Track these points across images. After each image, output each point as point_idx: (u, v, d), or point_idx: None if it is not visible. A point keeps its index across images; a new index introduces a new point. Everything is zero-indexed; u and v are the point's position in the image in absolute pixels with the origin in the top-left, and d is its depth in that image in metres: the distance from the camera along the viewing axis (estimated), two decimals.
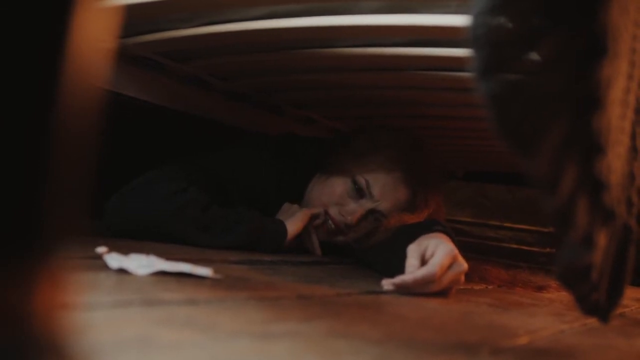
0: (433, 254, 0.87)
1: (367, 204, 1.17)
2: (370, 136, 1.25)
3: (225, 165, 1.19)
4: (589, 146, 0.46)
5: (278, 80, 1.35)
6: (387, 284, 0.86)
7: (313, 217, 1.18)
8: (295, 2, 0.95)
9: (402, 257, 0.89)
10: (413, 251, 0.88)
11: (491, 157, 1.97)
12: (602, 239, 0.52)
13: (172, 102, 1.32)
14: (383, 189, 1.17)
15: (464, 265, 0.89)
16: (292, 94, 1.47)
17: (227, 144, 1.27)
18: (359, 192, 1.17)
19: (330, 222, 1.18)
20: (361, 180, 1.17)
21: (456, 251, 0.89)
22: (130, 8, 0.95)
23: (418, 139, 1.27)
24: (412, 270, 0.85)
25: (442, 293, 0.88)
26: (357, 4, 0.94)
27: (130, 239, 0.96)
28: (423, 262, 0.87)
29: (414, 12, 0.91)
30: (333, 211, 1.18)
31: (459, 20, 0.88)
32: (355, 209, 1.17)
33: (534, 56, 0.42)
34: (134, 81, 1.21)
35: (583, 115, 0.44)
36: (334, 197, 1.18)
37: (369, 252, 1.16)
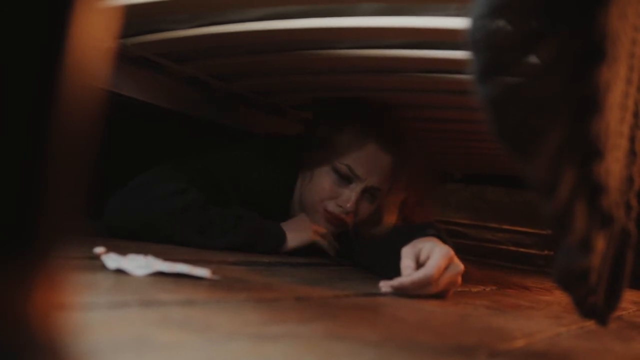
0: (429, 256, 0.87)
1: (358, 186, 1.17)
2: (331, 119, 1.25)
3: (222, 167, 1.19)
4: (587, 150, 0.46)
5: (278, 81, 1.35)
6: (384, 285, 0.86)
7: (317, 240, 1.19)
8: (295, 3, 0.95)
9: (397, 259, 0.89)
10: (407, 252, 0.88)
11: (490, 159, 1.97)
12: (600, 243, 0.52)
13: (172, 102, 1.32)
14: (366, 166, 1.17)
15: (460, 266, 0.89)
16: (292, 95, 1.47)
17: (221, 146, 1.27)
18: (346, 179, 1.18)
19: (330, 218, 1.19)
20: (341, 167, 1.17)
21: (452, 253, 0.89)
22: (130, 8, 0.95)
23: (376, 104, 1.27)
24: (409, 273, 0.85)
25: (440, 295, 0.88)
26: (357, 6, 0.94)
27: (128, 240, 0.96)
28: (417, 264, 0.87)
29: (414, 15, 0.91)
30: (331, 206, 1.18)
31: (458, 23, 0.88)
32: (349, 195, 1.17)
33: (533, 60, 0.42)
34: (133, 82, 1.21)
35: (581, 119, 0.44)
36: (325, 192, 1.19)
37: (364, 255, 1.16)
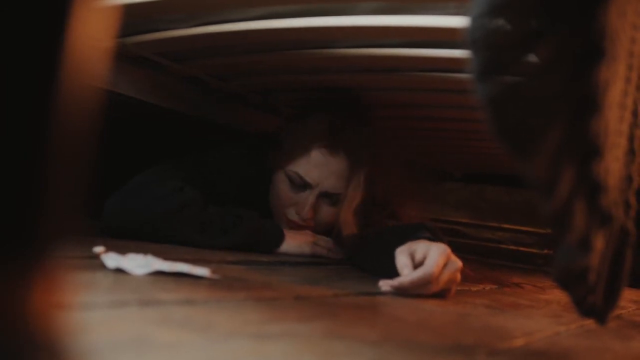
0: (426, 256, 0.86)
1: (312, 192, 1.17)
2: (286, 124, 1.24)
3: (217, 166, 1.19)
4: (586, 149, 0.46)
5: (276, 80, 1.35)
6: (384, 284, 0.86)
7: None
8: (294, 2, 0.95)
9: (391, 260, 0.88)
10: (402, 252, 0.88)
11: (489, 158, 1.97)
12: (599, 242, 0.52)
13: (170, 102, 1.32)
14: (316, 172, 1.16)
15: (458, 263, 0.88)
16: (290, 94, 1.47)
17: (218, 144, 1.26)
18: (300, 185, 1.17)
19: (292, 226, 1.19)
20: (292, 174, 1.17)
21: (449, 250, 0.88)
22: (128, 8, 0.95)
23: (328, 106, 1.23)
24: (407, 272, 0.85)
25: (441, 294, 0.88)
26: (356, 4, 0.94)
27: (128, 239, 0.96)
28: (414, 264, 0.87)
29: (413, 14, 0.91)
30: (290, 214, 1.19)
31: (457, 21, 0.88)
32: (303, 202, 1.17)
33: (532, 59, 0.42)
34: (132, 81, 1.21)
35: (581, 118, 0.44)
36: (282, 200, 1.19)
37: (358, 256, 1.15)
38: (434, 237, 0.96)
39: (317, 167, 1.16)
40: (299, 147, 1.17)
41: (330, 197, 1.18)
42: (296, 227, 1.19)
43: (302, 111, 1.25)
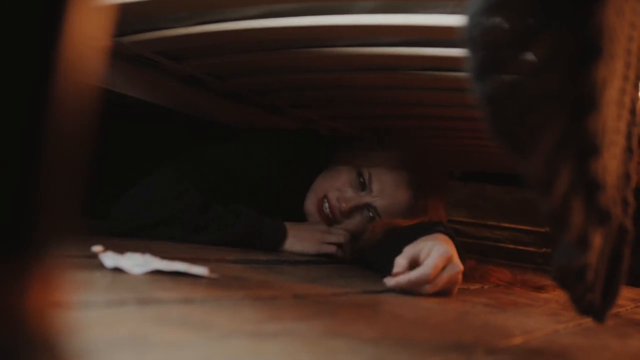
0: (428, 256, 0.86)
1: (365, 197, 1.18)
2: (379, 135, 1.27)
3: (234, 159, 1.20)
4: (584, 147, 0.46)
5: (275, 79, 1.35)
6: (388, 280, 0.86)
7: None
8: (292, 1, 0.95)
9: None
10: (406, 251, 0.88)
11: (488, 157, 1.97)
12: (597, 240, 0.52)
13: (169, 100, 1.32)
14: (383, 186, 1.18)
15: (459, 266, 0.88)
16: (289, 93, 1.47)
17: (229, 139, 1.27)
18: (361, 185, 1.18)
19: (326, 206, 1.19)
20: (365, 172, 1.18)
21: (451, 252, 0.88)
22: (126, 6, 0.95)
23: (426, 146, 1.31)
24: (399, 270, 0.85)
25: (442, 293, 0.88)
26: (354, 3, 0.94)
27: (126, 238, 0.96)
28: (417, 263, 0.87)
29: (411, 12, 0.91)
30: (332, 195, 1.19)
31: (455, 20, 0.88)
32: (352, 197, 1.18)
33: (530, 57, 0.42)
34: (130, 80, 1.21)
35: (578, 116, 0.45)
36: (336, 183, 1.20)
37: (369, 252, 1.15)
38: (448, 232, 0.96)
39: (387, 184, 1.18)
40: (384, 162, 1.19)
41: (373, 213, 1.19)
42: (328, 210, 1.19)
43: (398, 138, 1.29)
